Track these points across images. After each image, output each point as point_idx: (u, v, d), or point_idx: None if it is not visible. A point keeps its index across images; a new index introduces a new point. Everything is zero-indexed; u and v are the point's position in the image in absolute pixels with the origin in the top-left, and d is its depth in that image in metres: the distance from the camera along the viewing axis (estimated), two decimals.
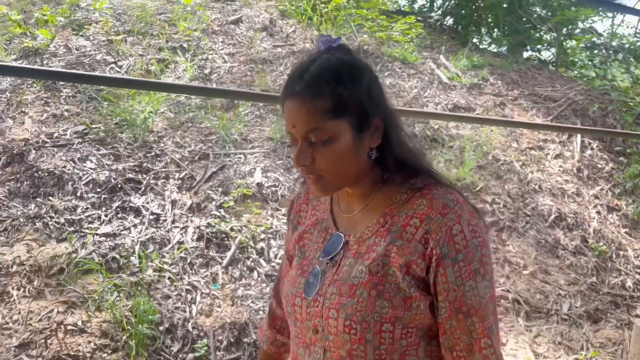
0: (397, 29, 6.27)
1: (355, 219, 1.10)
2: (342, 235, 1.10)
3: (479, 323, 0.99)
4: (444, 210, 1.00)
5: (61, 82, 4.99)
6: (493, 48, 7.84)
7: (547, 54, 7.87)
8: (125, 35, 5.90)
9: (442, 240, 0.98)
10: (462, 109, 5.86)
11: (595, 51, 7.24)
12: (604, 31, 7.91)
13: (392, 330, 0.99)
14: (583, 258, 4.31)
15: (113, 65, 5.35)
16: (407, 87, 6.04)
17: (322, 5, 6.88)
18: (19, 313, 2.80)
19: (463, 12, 7.80)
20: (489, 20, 7.64)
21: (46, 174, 3.72)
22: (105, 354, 2.71)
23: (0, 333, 2.69)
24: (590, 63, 7.01)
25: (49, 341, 2.67)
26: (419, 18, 6.95)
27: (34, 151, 3.91)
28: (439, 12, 7.09)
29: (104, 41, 5.81)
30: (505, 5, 7.60)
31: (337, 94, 1.00)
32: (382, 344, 1.00)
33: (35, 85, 4.90)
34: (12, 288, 2.91)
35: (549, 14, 7.64)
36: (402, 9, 7.61)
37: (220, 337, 3.00)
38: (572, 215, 4.67)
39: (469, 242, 0.99)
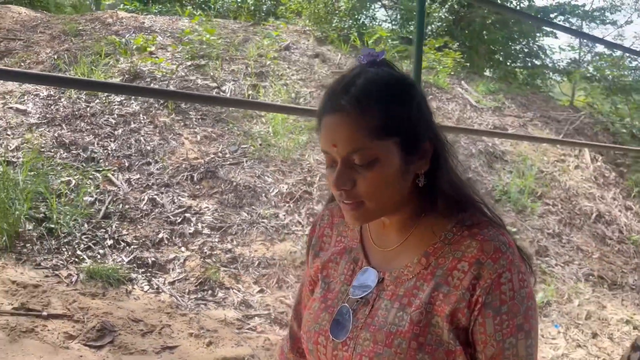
0: (437, 59, 7.62)
1: (392, 254, 1.03)
2: (376, 271, 1.02)
3: None
4: (496, 254, 0.93)
5: (184, 106, 5.79)
6: (496, 75, 9.50)
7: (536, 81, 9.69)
8: (207, 60, 6.75)
9: (489, 287, 0.92)
10: (498, 128, 7.33)
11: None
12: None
13: None
14: (624, 245, 5.88)
15: (217, 89, 6.21)
16: (449, 110, 7.41)
17: (365, 32, 8.10)
18: None
19: (467, 43, 9.39)
20: (492, 49, 9.29)
21: (242, 187, 4.62)
22: None
23: None
24: (592, 93, 8.84)
25: None
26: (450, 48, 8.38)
27: (220, 168, 4.77)
28: (457, 44, 8.57)
29: (190, 66, 6.63)
30: (501, 39, 9.30)
31: (387, 111, 0.94)
32: None
33: (162, 108, 5.68)
34: (284, 276, 3.85)
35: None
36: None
37: None
38: (608, 213, 6.26)
39: (516, 292, 0.92)
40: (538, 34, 10.39)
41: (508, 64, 9.94)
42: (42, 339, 2.70)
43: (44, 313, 2.89)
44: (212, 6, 9.65)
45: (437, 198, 0.98)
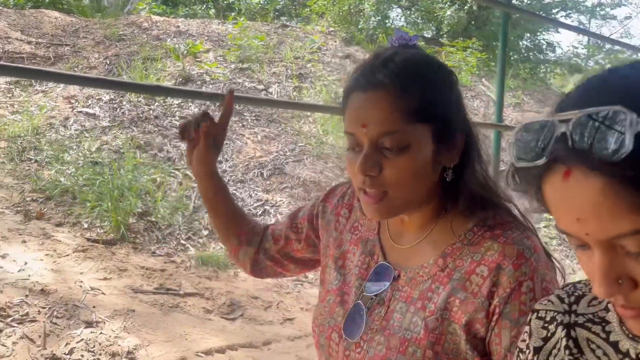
0: (463, 59, 8.18)
1: (408, 252, 0.96)
2: (392, 268, 0.96)
3: None
4: (518, 260, 0.84)
5: (238, 107, 6.28)
6: (512, 72, 10.08)
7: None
8: (249, 63, 7.25)
9: (508, 296, 0.83)
10: (521, 123, 7.90)
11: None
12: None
13: None
14: None
15: (264, 91, 6.71)
16: (475, 107, 7.97)
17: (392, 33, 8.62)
18: None
19: (484, 42, 9.96)
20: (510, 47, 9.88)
21: (309, 182, 5.14)
22: None
23: None
24: None
25: None
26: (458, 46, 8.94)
27: (285, 165, 5.29)
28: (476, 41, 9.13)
29: (234, 69, 7.12)
30: (513, 38, 9.88)
31: (428, 93, 0.86)
32: None
33: (218, 110, 6.16)
34: None
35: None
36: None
37: None
38: None
39: None
40: (540, 29, 11.05)
41: (516, 58, 10.54)
42: (187, 313, 3.22)
43: (181, 292, 3.41)
44: (238, 8, 10.12)
45: (460, 195, 0.91)
